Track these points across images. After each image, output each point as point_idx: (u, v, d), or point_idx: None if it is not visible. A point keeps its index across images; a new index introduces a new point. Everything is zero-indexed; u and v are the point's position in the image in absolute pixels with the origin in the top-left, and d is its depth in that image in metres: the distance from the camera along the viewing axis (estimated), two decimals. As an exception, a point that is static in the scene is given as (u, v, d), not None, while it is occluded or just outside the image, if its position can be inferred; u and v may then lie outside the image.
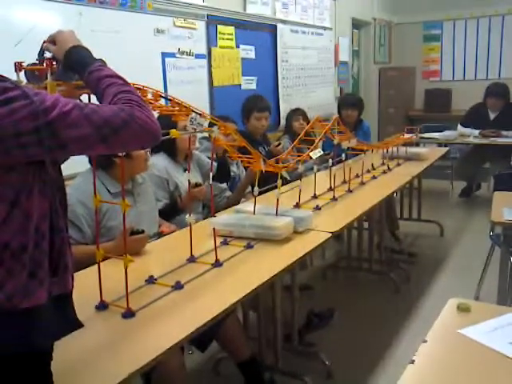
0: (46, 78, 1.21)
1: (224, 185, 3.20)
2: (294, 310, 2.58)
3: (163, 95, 1.49)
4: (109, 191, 2.22)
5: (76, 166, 1.90)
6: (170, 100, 1.51)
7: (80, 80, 1.21)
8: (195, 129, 1.65)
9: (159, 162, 2.83)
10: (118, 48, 3.28)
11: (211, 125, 1.85)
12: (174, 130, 1.52)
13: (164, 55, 3.72)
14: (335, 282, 3.72)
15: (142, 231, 2.05)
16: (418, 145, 5.28)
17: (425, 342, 1.32)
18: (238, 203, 2.89)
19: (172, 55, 3.79)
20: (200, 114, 1.61)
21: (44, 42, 1.28)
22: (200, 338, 2.24)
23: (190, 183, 2.46)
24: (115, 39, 3.29)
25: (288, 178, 3.26)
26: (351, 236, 3.81)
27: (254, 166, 2.09)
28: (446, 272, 3.81)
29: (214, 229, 1.84)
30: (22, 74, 1.25)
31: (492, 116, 5.48)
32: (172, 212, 2.70)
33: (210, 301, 1.60)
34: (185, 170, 2.76)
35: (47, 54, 1.24)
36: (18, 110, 0.93)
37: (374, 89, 7.80)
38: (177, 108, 1.52)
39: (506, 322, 1.41)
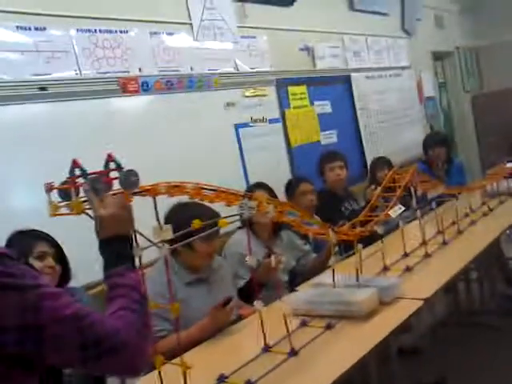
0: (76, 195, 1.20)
1: (307, 246, 3.06)
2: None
3: (205, 187, 1.43)
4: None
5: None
6: (214, 190, 1.44)
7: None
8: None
9: (240, 238, 2.77)
10: (191, 127, 3.36)
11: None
12: (222, 220, 1.45)
13: (237, 126, 3.74)
14: (446, 341, 3.34)
15: (231, 299, 2.05)
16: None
17: None
18: (326, 266, 2.72)
19: (245, 125, 3.80)
20: (250, 197, 1.53)
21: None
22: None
23: (270, 255, 2.38)
24: (190, 119, 3.38)
25: (381, 234, 3.02)
26: (459, 288, 3.45)
27: (324, 237, 1.95)
28: None
29: (284, 315, 1.70)
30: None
31: None
32: (252, 290, 2.59)
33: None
34: (266, 248, 2.67)
35: (76, 172, 1.23)
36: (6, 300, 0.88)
37: (469, 119, 7.33)
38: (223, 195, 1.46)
39: None
